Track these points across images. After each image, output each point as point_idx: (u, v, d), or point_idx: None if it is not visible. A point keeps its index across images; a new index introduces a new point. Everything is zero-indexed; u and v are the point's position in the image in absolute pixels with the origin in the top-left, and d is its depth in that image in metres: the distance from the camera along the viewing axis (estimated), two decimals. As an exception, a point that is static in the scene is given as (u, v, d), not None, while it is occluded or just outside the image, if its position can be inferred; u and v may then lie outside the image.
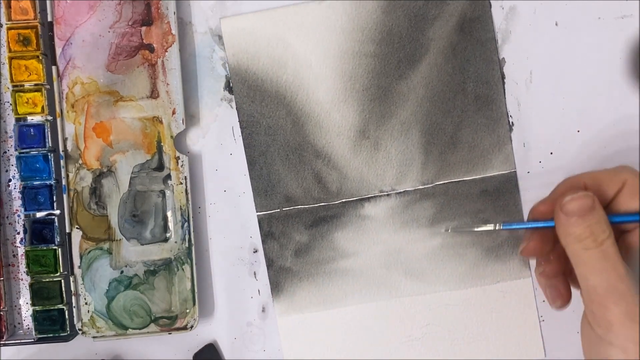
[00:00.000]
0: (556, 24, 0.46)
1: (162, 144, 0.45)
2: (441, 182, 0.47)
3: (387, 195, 0.47)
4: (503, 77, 0.46)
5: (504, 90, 0.46)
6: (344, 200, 0.47)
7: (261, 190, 0.47)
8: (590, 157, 0.47)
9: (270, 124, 0.46)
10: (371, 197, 0.47)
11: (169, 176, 0.45)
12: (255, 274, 0.47)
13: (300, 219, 0.47)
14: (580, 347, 0.47)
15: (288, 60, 0.46)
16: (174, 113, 0.45)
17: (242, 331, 0.47)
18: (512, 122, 0.47)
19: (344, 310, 0.47)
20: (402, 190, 0.47)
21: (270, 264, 0.47)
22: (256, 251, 0.47)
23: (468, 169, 0.47)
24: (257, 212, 0.47)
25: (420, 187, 0.47)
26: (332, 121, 0.46)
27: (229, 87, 0.47)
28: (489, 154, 0.46)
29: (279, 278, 0.47)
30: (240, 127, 0.46)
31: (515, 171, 0.47)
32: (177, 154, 0.45)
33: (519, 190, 0.47)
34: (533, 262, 0.47)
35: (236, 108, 0.46)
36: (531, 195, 0.47)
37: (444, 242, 0.47)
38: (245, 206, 0.47)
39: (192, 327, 0.45)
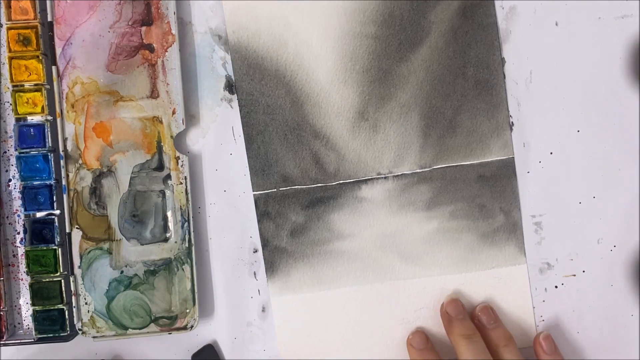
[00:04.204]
0: (556, 24, 0.47)
1: (162, 144, 0.45)
2: (439, 166, 0.47)
3: (385, 177, 0.47)
4: (503, 62, 0.46)
5: (504, 75, 0.46)
6: (341, 181, 0.47)
7: (258, 169, 0.46)
8: (590, 157, 0.47)
9: (269, 102, 0.46)
10: (368, 179, 0.47)
11: (169, 176, 0.45)
12: (255, 274, 0.47)
13: (297, 199, 0.47)
14: (580, 347, 0.48)
15: (289, 40, 0.46)
16: (174, 113, 0.45)
17: (242, 331, 0.47)
18: (512, 122, 0.47)
19: (338, 291, 0.47)
20: (399, 173, 0.47)
21: (265, 243, 0.47)
22: (256, 251, 0.47)
23: (466, 154, 0.46)
24: (253, 191, 0.47)
25: (418, 170, 0.47)
26: (331, 102, 0.46)
27: (229, 87, 0.47)
28: (487, 139, 0.46)
29: (274, 258, 0.47)
30: (239, 105, 0.46)
31: (514, 157, 0.47)
32: (177, 154, 0.45)
33: (517, 177, 0.47)
34: (528, 249, 0.47)
35: (235, 86, 0.46)
36: (531, 195, 0.47)
37: (439, 226, 0.47)
38: (245, 206, 0.47)
39: (192, 327, 0.45)
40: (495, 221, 0.47)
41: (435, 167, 0.47)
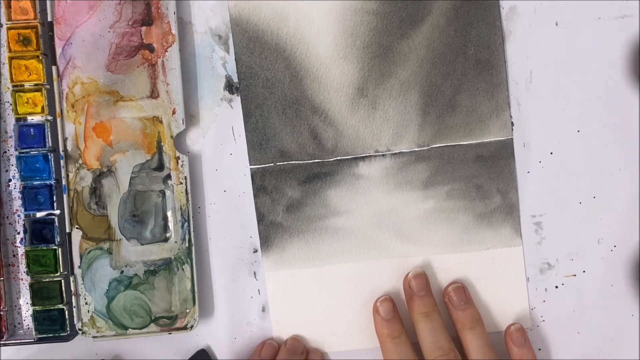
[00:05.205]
0: (556, 24, 0.47)
1: (162, 144, 0.45)
2: (437, 145, 0.46)
3: (382, 155, 0.47)
4: (504, 42, 0.46)
5: (505, 56, 0.46)
6: (338, 158, 0.47)
7: (256, 143, 0.46)
8: (590, 157, 0.47)
9: (269, 76, 0.46)
10: (366, 156, 0.47)
11: (169, 176, 0.45)
12: (255, 274, 0.47)
13: (294, 175, 0.47)
14: (581, 347, 0.48)
15: (289, 14, 0.46)
16: (174, 113, 0.45)
17: (242, 331, 0.47)
18: (512, 122, 0.47)
19: (333, 267, 0.47)
20: (397, 152, 0.46)
21: (261, 218, 0.47)
22: (256, 251, 0.47)
23: (465, 134, 0.46)
24: (250, 165, 0.46)
25: (416, 149, 0.46)
26: (331, 77, 0.46)
27: (229, 87, 0.47)
28: (486, 120, 0.46)
29: (269, 233, 0.47)
30: (238, 79, 0.46)
31: (512, 138, 0.47)
32: (177, 154, 0.45)
33: (515, 158, 0.47)
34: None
35: (235, 59, 0.46)
36: (531, 195, 0.47)
37: (436, 206, 0.47)
38: (245, 206, 0.47)
39: (192, 327, 0.45)
40: (492, 202, 0.47)
41: (433, 146, 0.46)
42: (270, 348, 0.46)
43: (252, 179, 0.47)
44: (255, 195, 0.47)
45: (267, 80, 0.46)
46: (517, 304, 0.47)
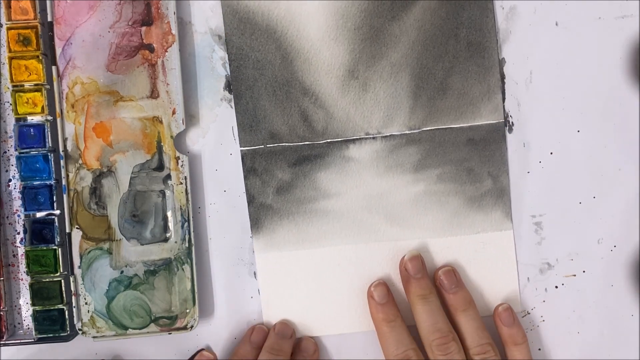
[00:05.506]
0: (556, 24, 0.47)
1: (162, 144, 0.45)
2: (428, 128, 0.46)
3: (373, 138, 0.46)
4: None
5: (498, 40, 0.46)
6: (329, 140, 0.46)
7: (246, 125, 0.46)
8: (590, 157, 0.47)
9: (259, 57, 0.46)
10: (357, 139, 0.46)
11: (169, 176, 0.45)
12: (255, 274, 0.47)
13: (284, 157, 0.46)
14: (581, 347, 0.48)
15: None
16: (174, 113, 0.45)
17: (242, 331, 0.47)
18: (512, 122, 0.47)
19: (323, 250, 0.47)
20: (388, 134, 0.46)
21: (251, 200, 0.47)
22: (256, 251, 0.47)
23: (456, 117, 0.46)
24: (240, 147, 0.46)
25: (407, 132, 0.46)
26: (321, 59, 0.46)
27: (229, 87, 0.47)
28: (478, 103, 0.46)
29: (259, 215, 0.47)
30: (229, 60, 0.46)
31: (503, 122, 0.46)
32: (177, 154, 0.45)
33: (506, 141, 0.47)
34: (515, 215, 0.47)
35: (225, 40, 0.46)
36: (531, 195, 0.47)
37: (426, 189, 0.47)
38: (245, 206, 0.47)
39: (192, 327, 0.45)
40: (483, 185, 0.47)
41: (424, 129, 0.46)
42: (260, 332, 0.46)
43: (242, 161, 0.46)
44: (245, 177, 0.47)
45: (257, 62, 0.46)
46: (508, 288, 0.47)
